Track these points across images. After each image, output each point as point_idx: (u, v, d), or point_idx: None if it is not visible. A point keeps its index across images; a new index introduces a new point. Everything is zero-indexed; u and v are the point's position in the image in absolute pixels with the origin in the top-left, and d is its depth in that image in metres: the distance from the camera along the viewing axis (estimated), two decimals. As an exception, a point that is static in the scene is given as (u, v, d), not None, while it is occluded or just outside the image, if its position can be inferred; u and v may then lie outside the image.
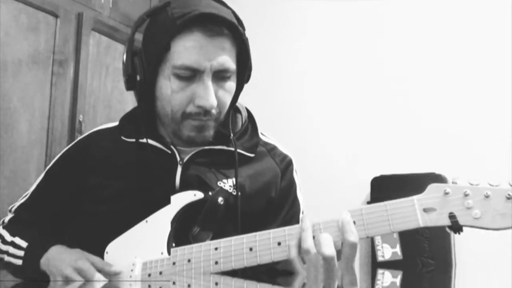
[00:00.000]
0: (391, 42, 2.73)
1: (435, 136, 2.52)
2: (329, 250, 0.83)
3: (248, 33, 1.05)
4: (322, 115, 2.88)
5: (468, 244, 2.32)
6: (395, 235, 2.39)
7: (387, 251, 2.42)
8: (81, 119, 2.39)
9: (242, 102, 1.17)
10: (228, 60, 0.98)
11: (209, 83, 0.97)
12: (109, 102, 2.57)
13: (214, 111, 1.00)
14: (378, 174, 2.58)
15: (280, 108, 2.95)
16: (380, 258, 2.43)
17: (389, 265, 2.40)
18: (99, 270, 0.98)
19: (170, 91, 0.99)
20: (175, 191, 1.03)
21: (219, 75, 0.99)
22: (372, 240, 2.46)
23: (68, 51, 2.38)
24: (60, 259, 1.01)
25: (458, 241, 2.36)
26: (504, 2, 2.45)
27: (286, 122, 2.86)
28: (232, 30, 0.98)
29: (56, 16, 2.34)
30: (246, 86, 1.11)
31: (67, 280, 0.96)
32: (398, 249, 2.40)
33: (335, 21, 2.94)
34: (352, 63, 2.83)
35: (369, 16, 2.80)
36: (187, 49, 0.95)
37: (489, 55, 2.47)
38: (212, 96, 0.97)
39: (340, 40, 2.88)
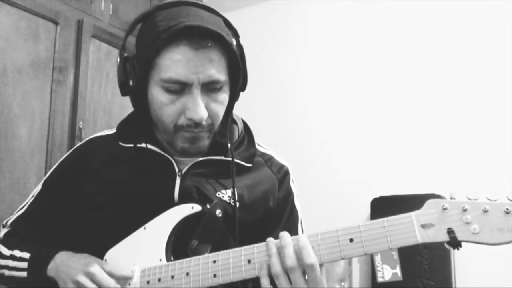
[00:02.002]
0: (393, 68, 2.73)
1: (435, 156, 2.52)
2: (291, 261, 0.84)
3: (247, 42, 1.04)
4: (322, 136, 2.89)
5: (469, 265, 2.31)
6: (395, 256, 2.39)
7: (387, 272, 2.40)
8: (81, 126, 2.39)
9: (243, 113, 1.17)
10: (216, 72, 0.96)
11: (198, 95, 0.95)
12: (109, 109, 2.57)
13: (205, 123, 0.98)
14: (378, 195, 2.58)
15: (279, 130, 2.95)
16: (380, 279, 2.42)
17: (389, 286, 2.39)
18: (109, 275, 0.98)
19: (160, 102, 0.98)
20: (173, 202, 1.03)
21: (209, 87, 0.97)
22: (372, 261, 2.45)
23: (68, 58, 2.38)
24: (69, 264, 1.00)
25: (458, 262, 2.35)
26: (505, 6, 2.44)
27: (285, 144, 2.85)
28: (219, 42, 0.95)
29: (56, 23, 2.35)
30: (249, 99, 1.10)
31: (79, 287, 0.96)
32: (398, 270, 2.39)
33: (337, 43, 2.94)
34: (353, 86, 2.84)
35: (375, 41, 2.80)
36: (174, 63, 0.94)
37: (492, 81, 2.46)
38: (201, 108, 0.96)
39: (340, 62, 2.90)
